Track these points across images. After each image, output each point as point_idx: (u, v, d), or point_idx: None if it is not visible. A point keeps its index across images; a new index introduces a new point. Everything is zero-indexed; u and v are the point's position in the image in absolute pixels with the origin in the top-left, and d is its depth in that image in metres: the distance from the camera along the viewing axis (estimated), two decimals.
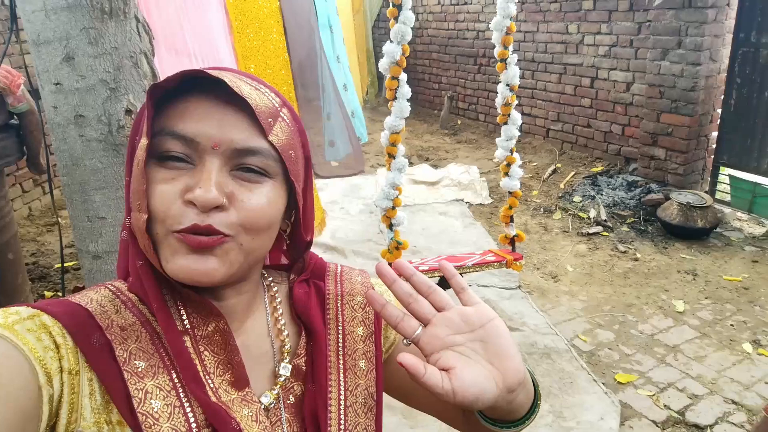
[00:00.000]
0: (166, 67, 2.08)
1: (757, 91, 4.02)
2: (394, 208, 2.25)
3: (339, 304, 0.70)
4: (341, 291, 0.71)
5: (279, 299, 0.68)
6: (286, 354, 0.64)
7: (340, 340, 0.67)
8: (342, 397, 0.65)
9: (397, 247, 2.28)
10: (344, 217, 4.61)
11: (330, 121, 4.64)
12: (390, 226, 2.28)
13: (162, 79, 0.56)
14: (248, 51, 2.96)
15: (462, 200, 4.92)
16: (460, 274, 2.26)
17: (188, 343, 0.57)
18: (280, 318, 0.66)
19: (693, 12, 4.12)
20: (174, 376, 0.56)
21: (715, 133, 4.44)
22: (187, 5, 2.26)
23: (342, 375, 0.66)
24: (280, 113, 0.59)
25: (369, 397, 0.67)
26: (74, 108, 1.51)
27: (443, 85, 7.54)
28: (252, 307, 0.65)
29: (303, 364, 0.65)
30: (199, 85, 0.57)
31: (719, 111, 4.37)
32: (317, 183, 4.64)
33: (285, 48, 3.46)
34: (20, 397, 0.47)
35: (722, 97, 4.30)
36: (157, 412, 0.53)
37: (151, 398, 0.54)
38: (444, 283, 2.49)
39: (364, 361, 0.68)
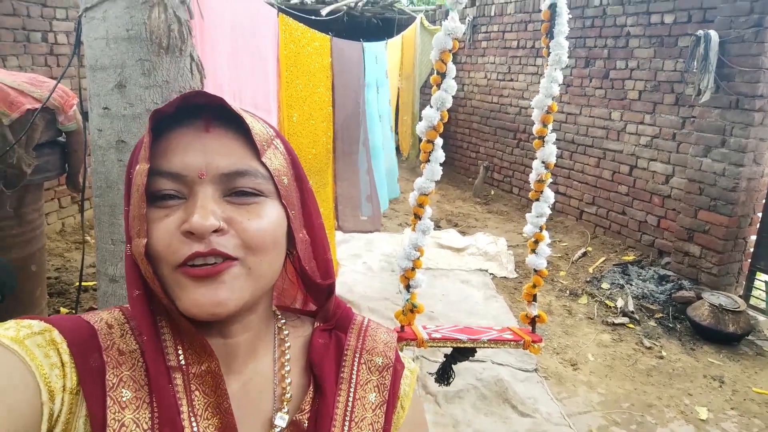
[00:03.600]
0: None
1: None
2: (413, 269, 2.21)
3: (356, 363, 0.66)
4: (361, 347, 0.67)
5: (288, 343, 0.65)
6: (285, 404, 0.61)
7: (350, 405, 0.63)
8: None
9: (411, 309, 2.23)
10: (365, 272, 4.58)
11: (368, 176, 4.68)
12: (407, 287, 2.24)
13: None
14: (294, 100, 3.05)
15: (486, 271, 4.85)
16: (474, 348, 2.18)
17: (179, 381, 0.56)
18: (286, 364, 0.63)
19: (739, 113, 4.10)
20: (156, 414, 0.54)
21: (753, 237, 4.32)
22: (240, 51, 2.34)
23: None
24: (273, 142, 0.60)
25: None
26: (118, 133, 1.55)
27: (480, 155, 7.61)
28: (258, 348, 0.63)
29: (305, 421, 0.60)
30: (191, 112, 0.57)
31: (759, 215, 4.27)
32: (338, 236, 4.63)
33: (330, 102, 3.56)
34: (24, 413, 0.47)
35: (764, 201, 4.21)
36: None
37: None
38: (457, 353, 2.41)
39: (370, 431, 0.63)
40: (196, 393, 0.56)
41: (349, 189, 4.84)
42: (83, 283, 3.62)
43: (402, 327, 2.30)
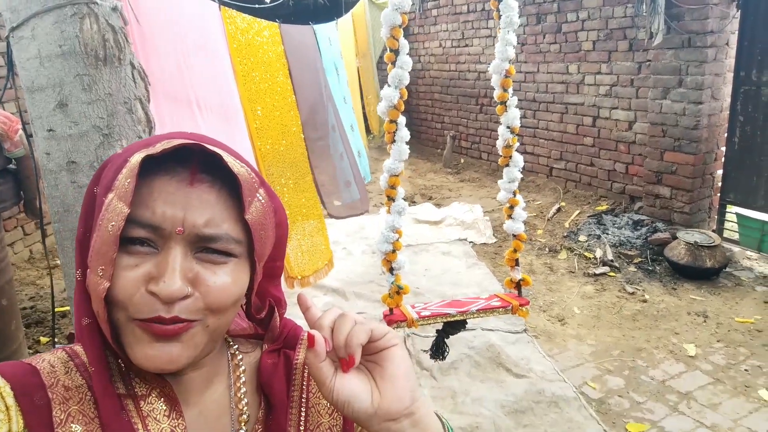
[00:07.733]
0: (165, 114, 2.07)
1: (760, 129, 4.01)
2: (394, 251, 2.20)
3: (306, 375, 0.67)
4: None
5: (243, 368, 0.66)
6: (242, 424, 0.63)
7: (303, 414, 0.65)
8: None
9: (398, 291, 2.22)
10: (347, 258, 4.56)
11: (343, 161, 4.60)
12: (390, 270, 2.23)
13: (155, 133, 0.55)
14: (254, 95, 2.97)
15: (465, 240, 4.87)
16: (465, 319, 2.18)
17: (131, 407, 0.56)
18: (242, 386, 0.65)
19: (692, 51, 4.15)
20: None
21: (720, 171, 4.41)
22: (188, 52, 2.27)
23: None
24: (257, 193, 0.58)
25: None
26: (66, 154, 1.49)
27: (446, 125, 7.60)
28: (212, 378, 0.64)
29: None
30: (176, 155, 0.55)
31: (723, 149, 4.35)
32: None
33: (292, 90, 3.49)
34: None
35: (726, 135, 4.28)
36: None
37: None
38: (449, 328, 2.42)
39: None
40: (149, 419, 0.57)
41: (322, 176, 4.76)
42: (60, 309, 3.54)
43: (390, 309, 2.29)
